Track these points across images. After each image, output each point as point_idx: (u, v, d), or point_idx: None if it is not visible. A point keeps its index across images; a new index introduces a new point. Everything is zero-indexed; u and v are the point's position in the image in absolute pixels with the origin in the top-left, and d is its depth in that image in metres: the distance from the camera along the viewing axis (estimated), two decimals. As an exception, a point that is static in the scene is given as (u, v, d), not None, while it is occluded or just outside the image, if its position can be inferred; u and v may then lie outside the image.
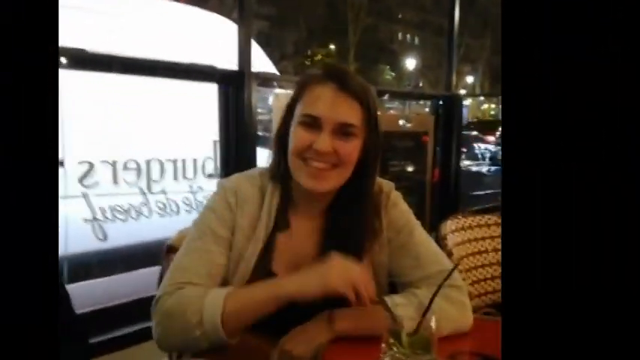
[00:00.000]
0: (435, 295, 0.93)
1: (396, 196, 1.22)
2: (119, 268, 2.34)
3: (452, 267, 1.07)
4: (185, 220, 2.55)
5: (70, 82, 2.07)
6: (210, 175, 2.68)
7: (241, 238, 1.11)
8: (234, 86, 2.23)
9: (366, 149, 1.10)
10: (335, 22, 16.57)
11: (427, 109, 3.75)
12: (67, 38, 2.29)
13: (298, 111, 1.08)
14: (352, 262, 1.01)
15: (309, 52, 17.46)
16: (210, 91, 2.23)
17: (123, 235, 2.45)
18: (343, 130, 1.05)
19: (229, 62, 3.38)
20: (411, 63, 18.47)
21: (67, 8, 2.33)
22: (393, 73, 18.04)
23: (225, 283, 1.10)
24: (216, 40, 3.57)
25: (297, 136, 1.07)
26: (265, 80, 2.42)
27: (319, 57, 17.59)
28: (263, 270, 1.10)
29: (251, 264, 1.10)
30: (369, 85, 1.11)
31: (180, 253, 1.10)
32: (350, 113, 1.06)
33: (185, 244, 1.12)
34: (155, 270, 1.28)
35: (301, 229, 1.16)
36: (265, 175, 1.16)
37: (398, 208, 1.20)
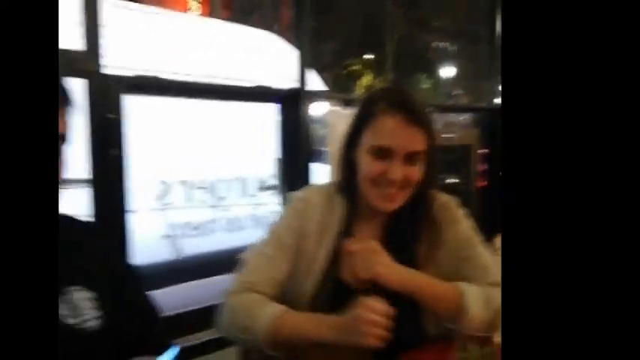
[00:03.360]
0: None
1: (459, 211, 1.29)
2: (190, 277, 2.45)
3: None
4: (250, 234, 2.67)
5: (147, 106, 2.21)
6: (272, 192, 2.78)
7: (312, 242, 1.22)
8: (292, 105, 2.32)
9: (427, 167, 1.18)
10: (371, 32, 16.56)
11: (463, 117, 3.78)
12: (133, 64, 2.44)
13: (367, 140, 1.17)
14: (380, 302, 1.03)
15: (345, 64, 17.52)
16: (269, 110, 2.33)
17: (195, 249, 2.57)
18: (412, 158, 1.15)
19: (278, 77, 3.49)
20: (447, 71, 18.33)
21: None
22: (431, 80, 17.91)
23: (293, 283, 1.22)
24: (262, 55, 3.68)
25: (369, 165, 1.17)
26: (321, 97, 2.51)
27: (356, 67, 17.62)
28: (331, 276, 1.19)
29: (322, 266, 1.20)
30: (428, 110, 1.21)
31: (250, 254, 1.23)
32: (418, 142, 1.15)
33: (256, 245, 1.24)
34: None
35: (364, 237, 1.23)
36: (333, 187, 1.28)
37: (461, 222, 1.28)
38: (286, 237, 1.21)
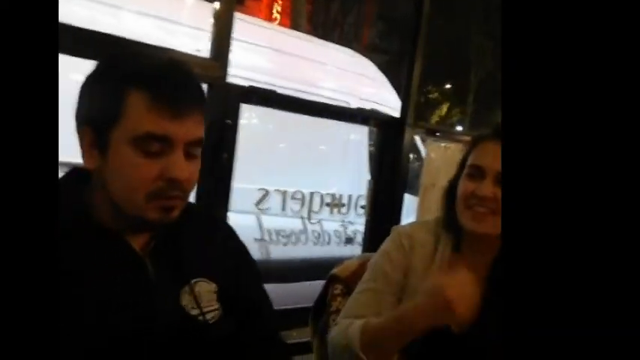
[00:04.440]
0: None
1: None
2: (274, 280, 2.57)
3: None
4: (334, 249, 2.80)
5: (257, 116, 2.40)
6: (361, 212, 2.89)
7: (416, 278, 1.24)
8: (392, 131, 2.42)
9: None
10: (456, 63, 16.45)
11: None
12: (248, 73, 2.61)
13: (468, 164, 1.24)
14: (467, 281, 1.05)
15: (425, 90, 17.52)
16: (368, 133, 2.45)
17: (282, 255, 2.74)
18: None
19: (362, 97, 3.60)
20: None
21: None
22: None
23: None
24: (344, 72, 3.81)
25: (463, 185, 1.22)
26: (421, 129, 2.60)
27: (435, 95, 17.60)
28: None
29: None
30: None
31: (356, 292, 1.27)
32: None
33: (361, 284, 1.28)
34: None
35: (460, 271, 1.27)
36: (439, 223, 1.31)
37: None
38: (392, 272, 1.24)
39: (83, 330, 0.78)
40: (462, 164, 1.27)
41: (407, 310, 1.11)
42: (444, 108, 17.62)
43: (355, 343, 1.12)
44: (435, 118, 17.21)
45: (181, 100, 0.81)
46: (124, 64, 0.84)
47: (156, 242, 0.89)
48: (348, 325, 1.17)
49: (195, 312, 0.89)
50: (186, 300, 0.89)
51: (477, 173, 1.20)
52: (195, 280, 0.91)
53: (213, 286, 0.93)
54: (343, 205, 2.87)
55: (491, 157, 1.19)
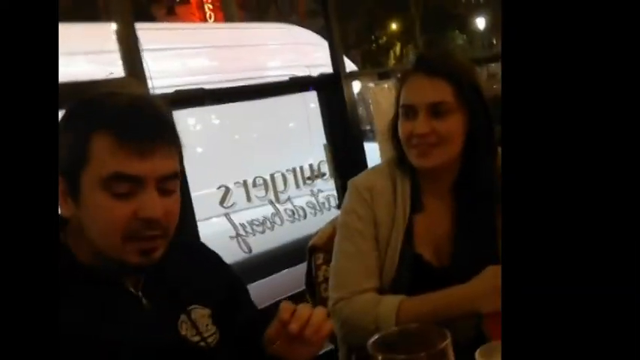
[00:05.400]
0: None
1: None
2: (262, 274, 2.59)
3: None
4: (312, 221, 2.81)
5: (194, 118, 2.37)
6: (325, 177, 2.90)
7: (384, 229, 1.24)
8: (330, 89, 2.41)
9: (471, 123, 1.19)
10: (393, 1, 16.33)
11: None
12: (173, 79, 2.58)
13: (400, 104, 1.23)
14: None
15: (372, 37, 17.44)
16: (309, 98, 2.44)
17: (263, 244, 2.74)
18: (436, 110, 1.16)
19: (309, 65, 3.60)
20: (480, 23, 17.88)
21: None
22: (465, 35, 17.53)
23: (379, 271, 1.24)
24: (289, 46, 3.80)
25: (401, 126, 1.21)
26: (357, 76, 2.59)
27: (384, 39, 17.53)
28: (409, 253, 1.22)
29: (397, 249, 1.22)
30: (461, 62, 1.22)
31: (338, 258, 1.25)
32: (439, 92, 1.16)
33: (338, 248, 1.27)
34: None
35: (435, 209, 1.26)
36: (392, 164, 1.29)
37: None
38: (365, 228, 1.23)
39: None
40: (397, 103, 1.25)
41: (457, 294, 1.11)
42: (396, 48, 17.56)
43: (390, 324, 1.11)
44: (391, 61, 17.18)
45: (146, 136, 0.80)
46: (87, 108, 0.84)
47: (145, 277, 0.90)
48: (373, 304, 1.16)
49: (196, 339, 0.91)
50: (185, 329, 0.91)
51: (410, 112, 1.18)
52: (190, 307, 0.93)
53: (207, 311, 0.95)
54: (309, 177, 2.88)
55: (419, 92, 1.18)
